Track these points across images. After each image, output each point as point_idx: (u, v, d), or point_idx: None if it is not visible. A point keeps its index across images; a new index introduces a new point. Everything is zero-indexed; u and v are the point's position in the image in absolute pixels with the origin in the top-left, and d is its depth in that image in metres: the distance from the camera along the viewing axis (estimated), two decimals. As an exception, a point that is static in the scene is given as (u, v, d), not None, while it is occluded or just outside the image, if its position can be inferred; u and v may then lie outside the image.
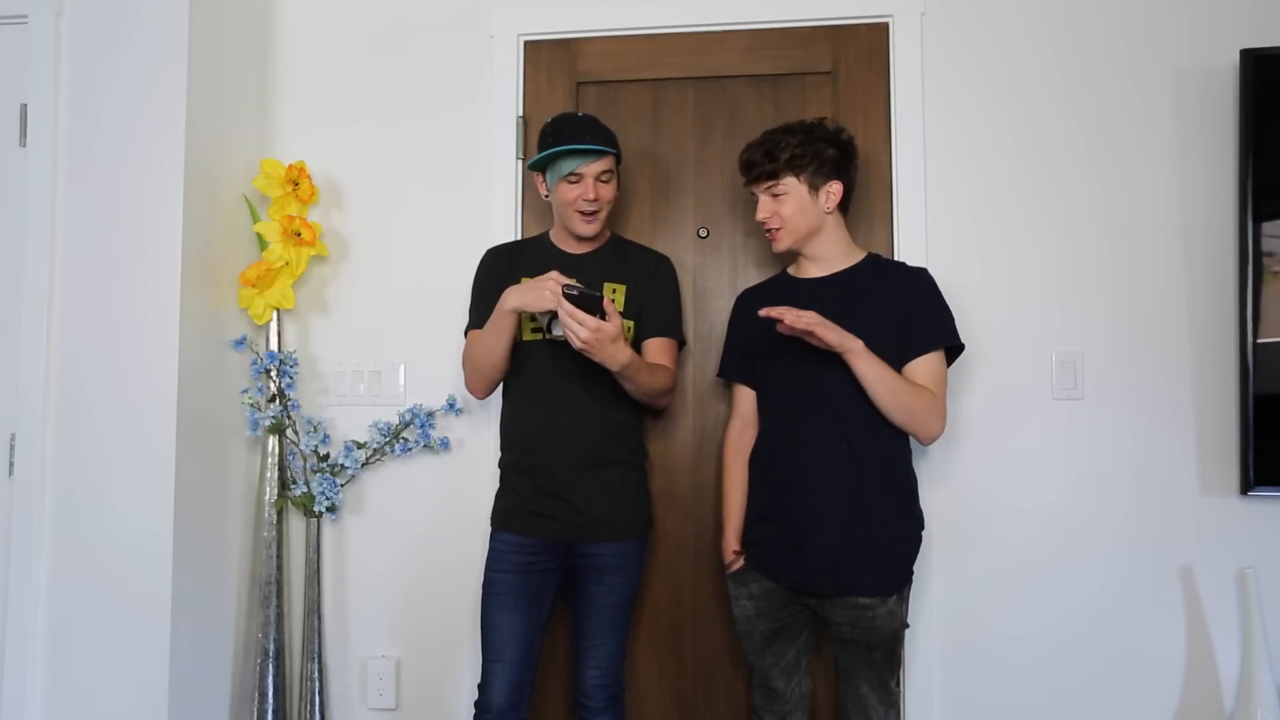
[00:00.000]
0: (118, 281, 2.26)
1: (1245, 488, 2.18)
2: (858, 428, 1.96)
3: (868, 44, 2.43)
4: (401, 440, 2.44)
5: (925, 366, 1.98)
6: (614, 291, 2.16)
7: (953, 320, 2.04)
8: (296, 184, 2.44)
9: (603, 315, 1.92)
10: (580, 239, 2.18)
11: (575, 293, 1.92)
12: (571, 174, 2.08)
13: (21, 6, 2.30)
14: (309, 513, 2.45)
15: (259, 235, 2.44)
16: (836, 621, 1.98)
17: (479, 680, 2.11)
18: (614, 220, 2.45)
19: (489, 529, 2.17)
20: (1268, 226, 2.17)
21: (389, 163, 2.56)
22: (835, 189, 2.04)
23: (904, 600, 1.98)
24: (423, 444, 2.45)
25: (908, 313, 1.99)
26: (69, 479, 2.25)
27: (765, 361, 2.10)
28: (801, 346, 1.98)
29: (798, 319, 1.86)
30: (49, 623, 2.24)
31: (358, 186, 2.57)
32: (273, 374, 2.44)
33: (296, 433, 2.47)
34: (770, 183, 2.03)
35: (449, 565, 2.47)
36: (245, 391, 2.45)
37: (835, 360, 1.94)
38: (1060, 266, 2.33)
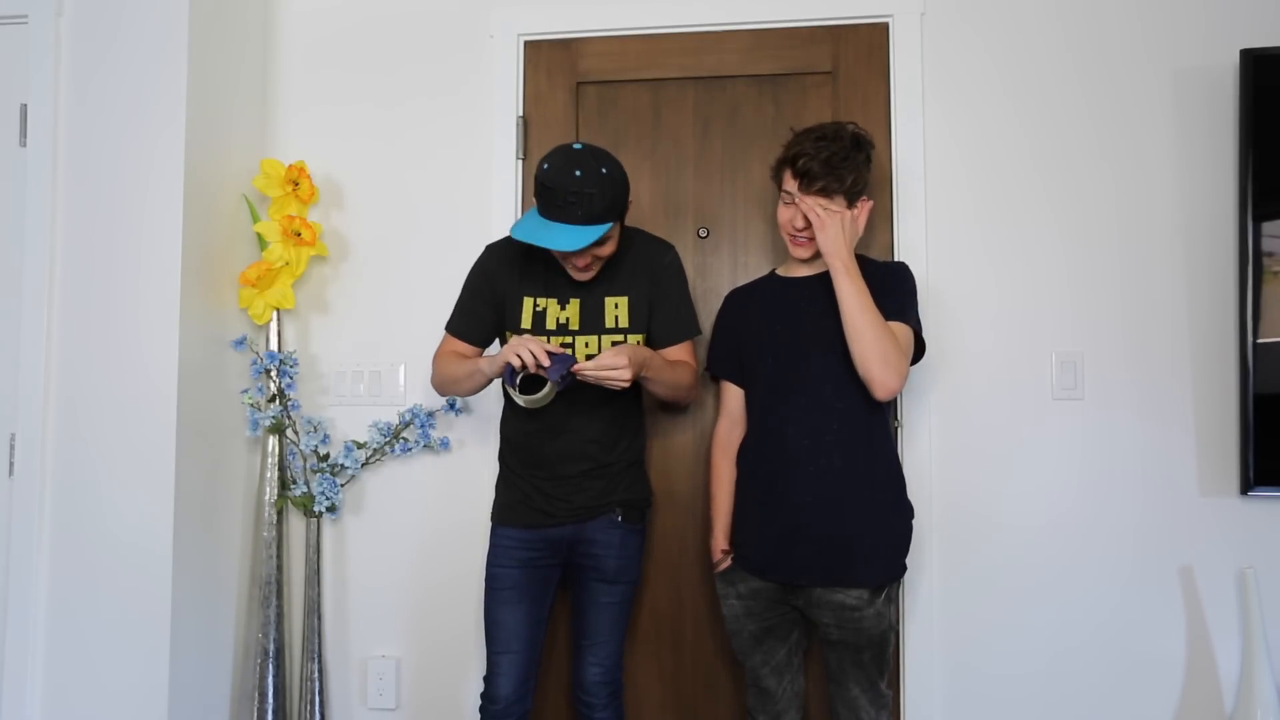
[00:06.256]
0: (118, 281, 2.26)
1: (1245, 488, 2.18)
2: (844, 419, 1.97)
3: (868, 44, 2.43)
4: (401, 440, 2.44)
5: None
6: (616, 306, 2.09)
7: (916, 312, 2.04)
8: (296, 184, 2.44)
9: (571, 377, 1.90)
10: None
11: (556, 379, 1.88)
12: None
13: (21, 6, 2.30)
14: (309, 513, 2.45)
15: (259, 235, 2.44)
16: (824, 623, 1.97)
17: (484, 673, 2.12)
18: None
19: (489, 526, 2.17)
20: (1268, 226, 2.17)
21: (389, 162, 2.56)
22: (865, 208, 2.03)
23: (891, 601, 1.98)
24: (423, 444, 2.45)
25: (876, 292, 1.96)
26: (69, 479, 2.25)
27: (753, 358, 2.10)
28: (789, 340, 2.01)
29: (814, 208, 1.94)
30: (49, 623, 2.24)
31: (358, 186, 2.57)
32: (273, 374, 2.44)
33: (296, 433, 2.47)
34: (823, 198, 1.97)
35: (449, 565, 2.47)
36: (245, 391, 2.45)
37: (821, 353, 1.97)
38: (1061, 266, 2.32)
